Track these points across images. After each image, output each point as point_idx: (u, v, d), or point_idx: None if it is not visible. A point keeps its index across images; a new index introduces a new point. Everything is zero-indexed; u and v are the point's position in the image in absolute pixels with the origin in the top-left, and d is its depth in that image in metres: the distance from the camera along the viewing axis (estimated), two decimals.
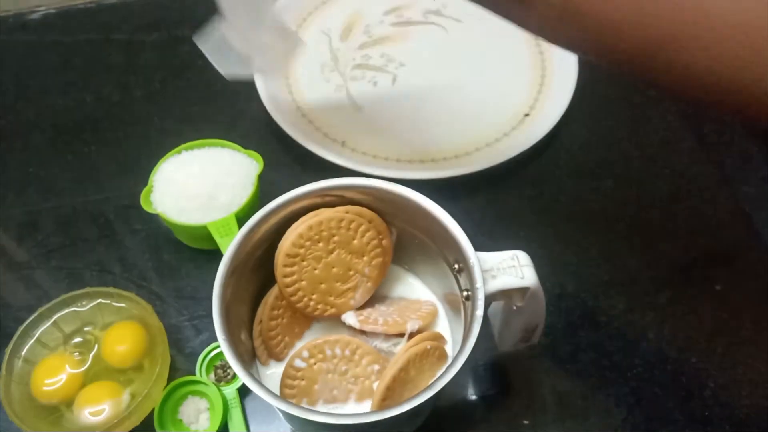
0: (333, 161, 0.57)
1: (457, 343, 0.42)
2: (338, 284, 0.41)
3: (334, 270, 0.41)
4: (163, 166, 0.54)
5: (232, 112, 0.64)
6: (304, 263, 0.40)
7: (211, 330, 0.51)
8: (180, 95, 0.65)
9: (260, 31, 0.51)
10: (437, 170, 0.57)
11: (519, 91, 0.64)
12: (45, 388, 0.45)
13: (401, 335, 0.40)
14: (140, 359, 0.46)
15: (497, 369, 0.49)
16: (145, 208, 0.52)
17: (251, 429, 0.47)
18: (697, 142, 0.62)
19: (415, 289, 0.46)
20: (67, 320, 0.48)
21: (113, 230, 0.57)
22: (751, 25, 0.28)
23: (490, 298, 0.36)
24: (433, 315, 0.42)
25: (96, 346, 0.47)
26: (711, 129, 0.62)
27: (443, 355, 0.40)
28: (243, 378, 0.33)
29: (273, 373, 0.42)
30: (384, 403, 0.37)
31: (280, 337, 0.42)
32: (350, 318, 0.40)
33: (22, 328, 0.46)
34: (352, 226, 0.40)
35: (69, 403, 0.45)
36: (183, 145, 0.55)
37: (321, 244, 0.40)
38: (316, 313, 0.41)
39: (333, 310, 0.41)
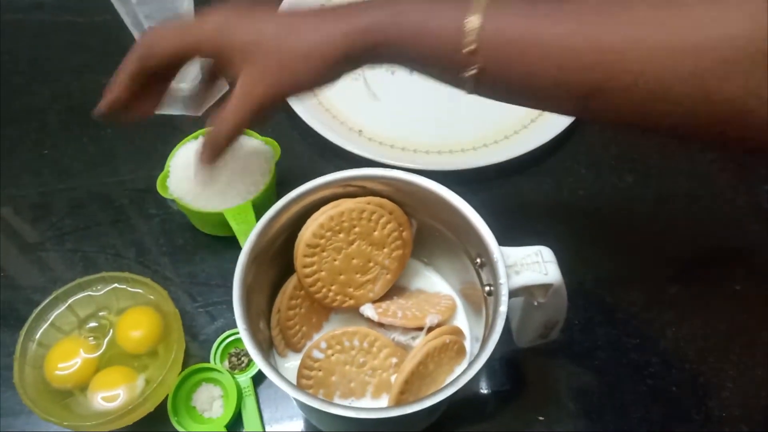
0: (350, 150, 0.57)
1: (475, 338, 0.42)
2: (357, 276, 0.40)
3: (354, 261, 0.40)
4: (180, 152, 0.53)
5: None
6: (324, 254, 0.39)
7: (225, 317, 0.51)
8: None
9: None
10: (455, 161, 0.57)
11: None
12: (58, 372, 0.45)
13: (420, 329, 0.40)
14: (155, 345, 0.46)
15: (513, 364, 0.49)
16: (162, 193, 0.51)
17: (264, 417, 0.47)
18: None
19: (434, 283, 0.45)
20: (82, 304, 0.47)
21: (128, 214, 0.57)
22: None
23: (512, 294, 0.36)
24: (452, 309, 0.42)
25: (111, 331, 0.47)
26: None
27: (462, 350, 0.40)
28: (263, 368, 0.33)
29: (291, 366, 0.42)
30: (402, 396, 0.37)
31: (297, 327, 0.41)
32: (369, 310, 0.40)
33: (36, 311, 0.46)
34: (374, 217, 0.40)
35: (83, 387, 0.45)
36: (200, 131, 0.55)
37: (342, 235, 0.39)
38: (335, 304, 0.41)
39: (351, 302, 0.41)
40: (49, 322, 0.47)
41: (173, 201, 0.52)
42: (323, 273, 0.40)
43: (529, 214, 0.56)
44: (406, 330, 0.40)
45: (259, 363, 0.33)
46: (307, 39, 0.37)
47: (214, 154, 0.41)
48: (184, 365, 0.47)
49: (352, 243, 0.40)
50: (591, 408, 0.47)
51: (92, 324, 0.47)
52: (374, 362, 0.39)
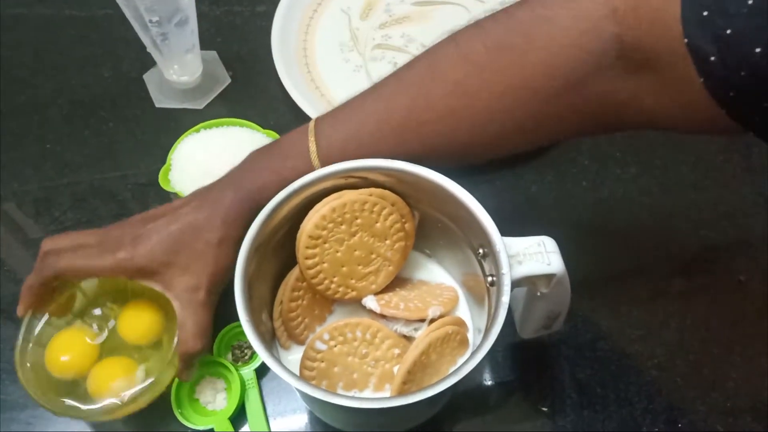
0: None
1: (477, 329, 0.41)
2: (360, 267, 0.40)
3: (356, 253, 0.40)
4: (181, 145, 0.53)
5: (250, 91, 0.63)
6: (326, 245, 0.39)
7: (227, 311, 0.50)
8: None
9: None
10: None
11: None
12: (61, 359, 0.44)
13: (422, 320, 0.39)
14: (158, 336, 0.46)
15: (516, 355, 0.49)
16: (164, 186, 0.51)
17: (268, 410, 0.47)
18: None
19: (437, 274, 0.45)
20: (90, 287, 0.47)
21: (130, 208, 0.57)
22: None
23: (514, 284, 0.36)
24: (455, 301, 0.42)
25: (113, 321, 0.46)
26: None
27: (464, 341, 0.40)
28: (264, 358, 0.33)
29: (294, 358, 0.42)
30: (404, 387, 0.37)
31: (300, 319, 0.41)
32: (371, 302, 0.40)
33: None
34: (376, 209, 0.40)
35: (83, 377, 0.44)
36: (202, 124, 0.55)
37: (344, 227, 0.39)
38: (337, 296, 0.40)
39: (354, 294, 0.41)
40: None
41: (175, 194, 0.51)
42: (325, 264, 0.40)
43: (533, 206, 0.56)
44: (408, 321, 0.40)
45: (261, 353, 0.33)
46: (211, 227, 0.40)
47: (193, 368, 0.45)
48: None
49: (354, 234, 0.40)
50: (594, 399, 0.47)
51: (97, 311, 0.47)
52: (377, 353, 0.39)
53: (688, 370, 0.48)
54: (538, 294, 0.39)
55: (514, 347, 0.49)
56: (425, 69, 0.39)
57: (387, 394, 0.39)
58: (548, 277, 0.37)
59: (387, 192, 0.40)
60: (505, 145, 0.40)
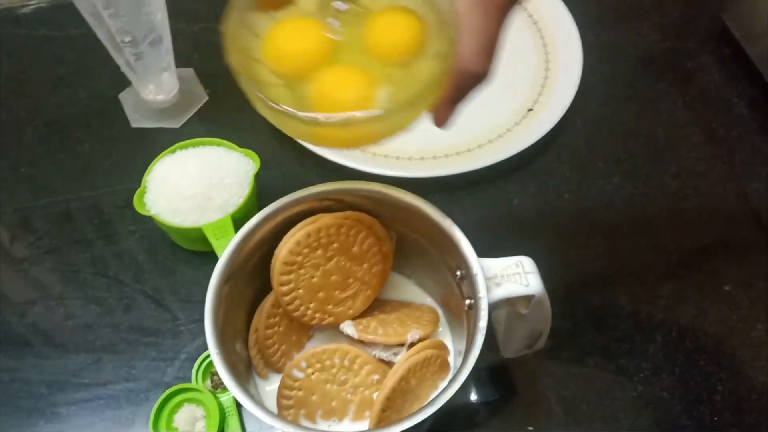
0: (331, 159, 0.56)
1: (459, 351, 0.41)
2: (337, 292, 0.40)
3: (333, 278, 0.39)
4: (156, 166, 0.52)
5: (228, 108, 0.62)
6: (302, 271, 0.39)
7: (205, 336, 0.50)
8: None
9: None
10: (439, 168, 0.56)
11: (523, 86, 0.62)
12: (287, 44, 0.32)
13: (402, 344, 0.39)
14: (414, 54, 0.32)
15: (501, 374, 0.48)
16: (139, 210, 0.50)
17: None
18: (705, 138, 0.60)
19: (416, 296, 0.44)
20: None
21: (107, 231, 0.56)
22: None
23: (493, 306, 0.35)
24: (435, 323, 0.41)
25: (362, 23, 0.33)
26: (720, 124, 0.61)
27: (445, 364, 0.39)
28: (235, 393, 0.32)
29: (272, 389, 0.41)
30: (384, 414, 0.36)
31: (276, 347, 0.41)
32: (348, 328, 0.39)
33: None
34: (352, 233, 0.39)
35: (306, 76, 0.32)
36: (177, 144, 0.54)
37: (319, 252, 0.39)
38: (314, 322, 0.40)
39: (331, 319, 0.40)
40: None
41: (151, 218, 0.51)
42: (301, 291, 0.39)
43: (515, 219, 0.55)
44: (387, 346, 0.39)
45: (233, 389, 0.32)
46: None
47: (458, 105, 0.33)
48: (167, 385, 0.46)
49: (330, 259, 0.39)
50: (581, 416, 0.46)
51: (337, 3, 0.33)
52: (356, 380, 0.38)
53: (674, 384, 0.48)
54: (518, 314, 0.38)
55: (499, 367, 0.48)
56: None
57: (366, 422, 0.38)
58: (527, 298, 0.36)
59: (363, 215, 0.39)
60: None
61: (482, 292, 0.34)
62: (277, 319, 0.40)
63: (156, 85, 0.60)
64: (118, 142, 0.61)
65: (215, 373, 0.47)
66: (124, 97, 0.63)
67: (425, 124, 0.35)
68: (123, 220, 0.56)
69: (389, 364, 0.39)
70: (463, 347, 0.38)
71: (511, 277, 0.36)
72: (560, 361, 0.48)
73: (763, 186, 0.57)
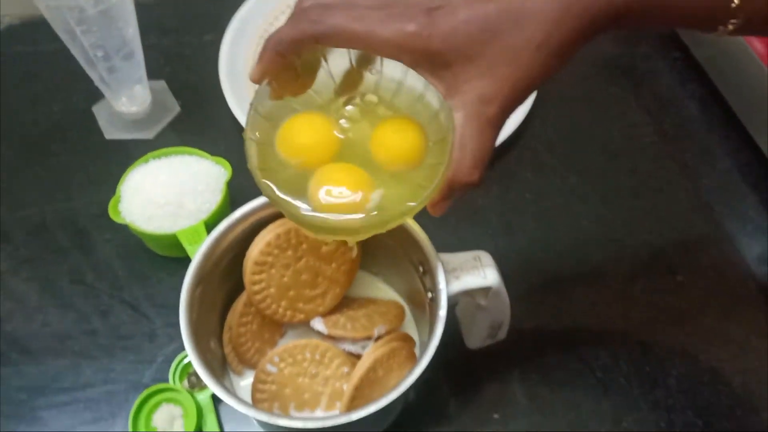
0: None
1: (425, 343, 0.43)
2: (307, 291, 0.42)
3: (303, 277, 0.41)
4: (130, 176, 0.54)
5: (200, 118, 0.64)
6: (273, 271, 0.40)
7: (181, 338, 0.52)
8: None
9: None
10: None
11: None
12: (299, 138, 0.35)
13: (369, 338, 0.41)
14: (412, 167, 0.35)
15: (468, 366, 0.50)
16: (114, 218, 0.52)
17: None
18: (658, 137, 0.63)
19: (383, 293, 0.46)
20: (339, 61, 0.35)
21: (83, 240, 0.57)
22: None
23: (453, 298, 0.37)
24: (401, 318, 0.43)
25: (369, 125, 0.35)
26: (671, 124, 0.64)
27: (411, 356, 0.41)
28: (212, 387, 0.34)
29: (246, 384, 0.42)
30: (353, 403, 0.38)
31: (250, 344, 0.42)
32: (318, 324, 0.41)
33: None
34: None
35: (311, 170, 0.34)
36: (150, 154, 0.55)
37: (289, 252, 0.41)
38: (285, 319, 0.42)
39: (302, 316, 0.42)
40: None
41: (126, 226, 0.52)
42: (272, 290, 0.41)
43: (479, 218, 0.58)
44: (356, 340, 0.41)
45: (209, 383, 0.34)
46: (538, 19, 0.29)
47: (452, 204, 0.35)
48: (144, 386, 0.47)
49: (300, 259, 0.41)
50: (543, 404, 0.49)
51: (349, 108, 0.36)
52: (326, 372, 0.40)
53: (631, 370, 0.50)
54: (479, 306, 0.40)
55: (466, 359, 0.50)
56: None
57: (338, 411, 0.40)
58: (486, 290, 0.38)
59: None
60: None
61: (442, 284, 0.37)
62: (249, 318, 0.42)
63: (129, 98, 0.61)
64: (93, 154, 0.62)
65: (192, 374, 0.49)
66: (98, 109, 0.64)
67: None
68: (99, 229, 0.57)
69: (358, 356, 0.41)
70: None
71: (470, 270, 0.38)
72: (523, 352, 0.51)
73: (713, 182, 0.60)
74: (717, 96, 0.64)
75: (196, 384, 0.48)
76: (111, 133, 0.63)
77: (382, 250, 0.44)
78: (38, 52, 0.70)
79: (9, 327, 0.53)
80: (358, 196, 0.33)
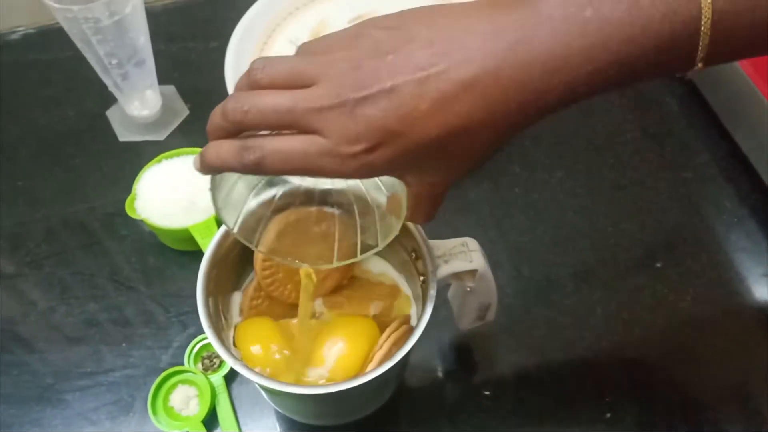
0: None
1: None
2: None
3: None
4: (145, 175, 0.58)
5: (206, 122, 0.67)
6: None
7: (196, 325, 0.55)
8: None
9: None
10: None
11: None
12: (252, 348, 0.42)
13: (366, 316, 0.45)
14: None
15: (461, 346, 0.54)
16: (130, 214, 0.56)
17: (238, 412, 0.51)
18: (639, 134, 0.67)
19: (387, 270, 0.50)
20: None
21: (100, 237, 0.61)
22: None
23: (443, 281, 0.41)
24: (394, 295, 0.47)
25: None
26: (652, 121, 0.67)
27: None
28: (224, 357, 0.38)
29: None
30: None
31: None
32: (318, 305, 0.45)
33: None
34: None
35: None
36: (163, 155, 0.59)
37: None
38: (291, 300, 0.45)
39: None
40: None
41: (142, 221, 0.56)
42: (280, 274, 0.45)
43: (470, 211, 0.61)
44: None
45: (223, 355, 0.38)
46: (487, 103, 0.28)
47: None
48: (162, 371, 0.51)
49: None
50: (531, 381, 0.52)
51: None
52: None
53: (613, 350, 0.54)
54: (468, 289, 0.44)
55: (459, 340, 0.54)
56: None
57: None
58: (472, 273, 0.42)
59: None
60: None
61: (431, 267, 0.40)
62: (259, 300, 0.46)
63: (141, 102, 0.65)
64: (107, 156, 0.66)
65: (206, 357, 0.53)
66: (111, 113, 0.68)
67: None
68: (114, 227, 0.61)
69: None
70: None
71: (457, 255, 0.42)
72: (512, 334, 0.54)
73: (691, 174, 0.64)
74: (696, 93, 0.68)
75: (210, 367, 0.52)
76: (124, 135, 0.67)
77: None
78: (53, 59, 0.73)
79: (35, 317, 0.57)
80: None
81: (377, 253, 0.49)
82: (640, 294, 0.56)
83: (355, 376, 0.38)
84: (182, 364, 0.52)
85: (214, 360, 0.52)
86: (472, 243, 0.42)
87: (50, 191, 0.64)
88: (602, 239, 0.60)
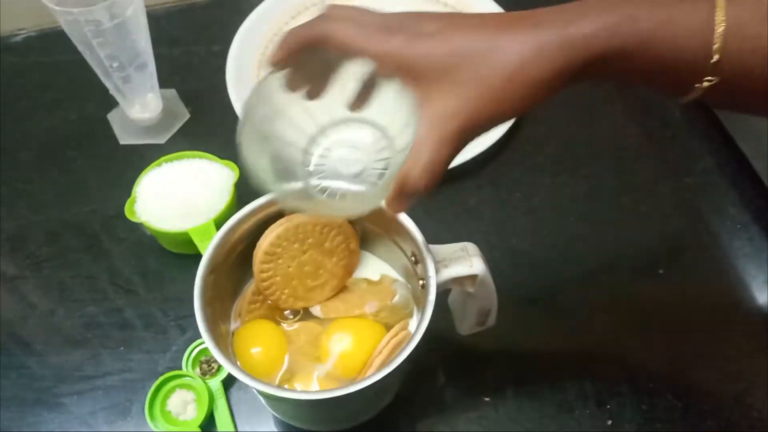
0: None
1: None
2: (308, 281, 0.45)
3: (306, 268, 0.45)
4: (145, 178, 0.58)
5: (208, 124, 0.68)
6: (280, 261, 0.44)
7: (194, 329, 0.55)
8: None
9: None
10: None
11: None
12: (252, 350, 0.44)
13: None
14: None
15: (462, 352, 0.54)
16: (130, 217, 0.56)
17: (236, 417, 0.51)
18: (643, 138, 0.66)
19: (388, 271, 0.49)
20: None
21: (100, 240, 0.61)
22: None
23: (443, 286, 0.41)
24: (390, 295, 0.46)
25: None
26: (655, 125, 0.67)
27: None
28: (222, 362, 0.37)
29: None
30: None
31: None
32: (316, 310, 0.45)
33: None
34: (325, 230, 0.44)
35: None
36: (163, 158, 0.59)
37: (296, 245, 0.44)
38: (287, 305, 0.45)
39: (302, 303, 0.46)
40: None
41: (141, 224, 0.56)
42: (278, 278, 0.44)
43: (471, 216, 0.61)
44: None
45: (220, 360, 0.37)
46: (512, 54, 0.31)
47: (407, 205, 0.36)
48: (159, 375, 0.51)
49: (305, 252, 0.45)
50: (532, 387, 0.52)
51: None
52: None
53: (615, 357, 0.53)
54: (468, 294, 0.44)
55: (459, 346, 0.54)
56: None
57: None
58: (472, 278, 0.42)
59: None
60: None
61: (431, 272, 0.40)
62: (257, 305, 0.45)
63: (142, 105, 0.65)
64: (108, 158, 0.66)
65: (204, 362, 0.52)
66: (113, 116, 0.68)
67: None
68: (114, 229, 0.61)
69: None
70: None
71: (458, 260, 0.41)
72: (512, 339, 0.54)
73: (694, 180, 0.64)
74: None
75: (208, 372, 0.52)
76: (125, 138, 0.67)
77: (381, 244, 0.47)
78: (54, 62, 0.73)
79: (34, 320, 0.56)
80: None
81: (377, 257, 0.49)
82: (642, 300, 0.56)
83: (354, 381, 0.38)
84: (180, 368, 0.52)
85: (213, 364, 0.52)
86: (472, 248, 0.42)
87: (51, 194, 0.64)
88: (604, 245, 0.59)
